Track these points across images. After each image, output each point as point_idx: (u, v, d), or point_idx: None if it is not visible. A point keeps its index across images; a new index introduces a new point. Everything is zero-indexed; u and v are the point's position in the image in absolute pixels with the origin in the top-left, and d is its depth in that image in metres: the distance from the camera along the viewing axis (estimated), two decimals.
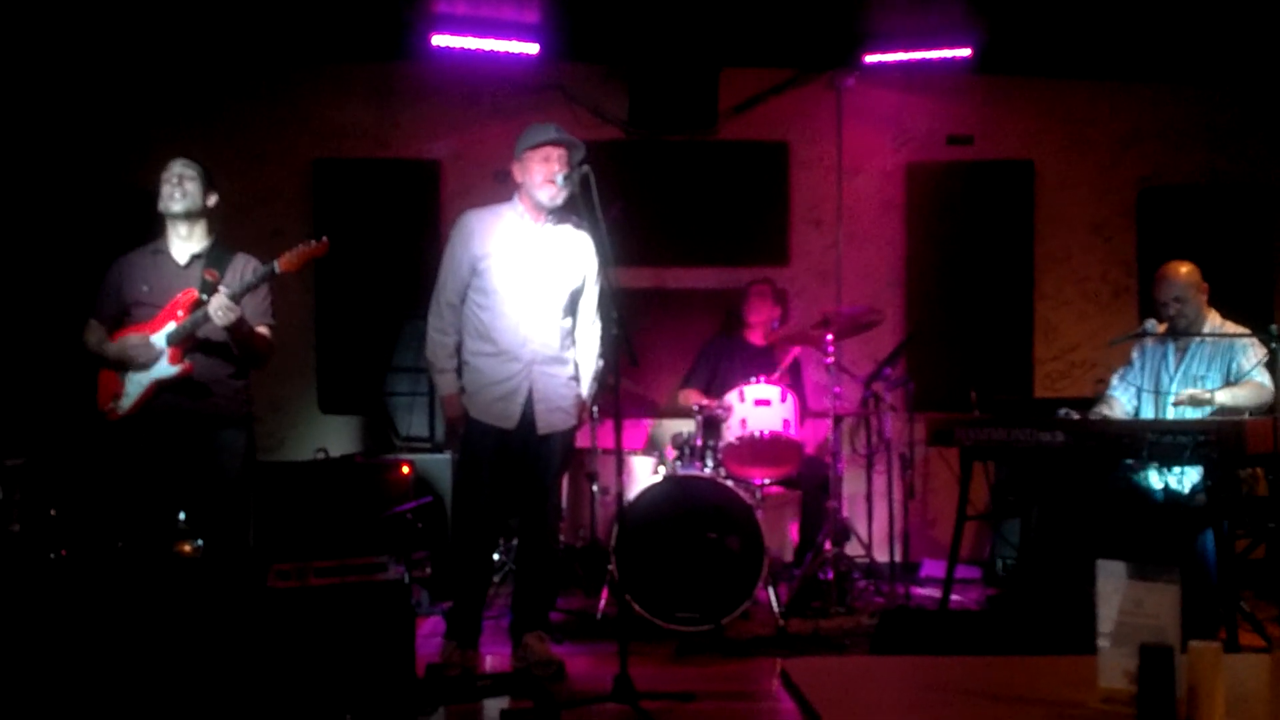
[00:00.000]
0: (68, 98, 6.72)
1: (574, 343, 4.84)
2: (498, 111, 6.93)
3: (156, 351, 4.47)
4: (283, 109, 7.05)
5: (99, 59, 6.64)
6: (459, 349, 4.74)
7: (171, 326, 4.47)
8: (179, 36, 6.50)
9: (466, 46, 6.50)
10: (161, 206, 4.56)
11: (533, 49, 6.56)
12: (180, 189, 4.54)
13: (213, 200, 4.63)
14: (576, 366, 4.83)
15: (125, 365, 4.51)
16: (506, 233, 4.68)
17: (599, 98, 7.07)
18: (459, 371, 4.74)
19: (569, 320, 4.79)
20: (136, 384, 4.49)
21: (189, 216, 4.57)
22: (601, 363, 4.94)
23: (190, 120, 6.86)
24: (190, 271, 4.58)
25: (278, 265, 4.37)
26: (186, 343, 4.47)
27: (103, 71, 6.72)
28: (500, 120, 6.77)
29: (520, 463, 4.74)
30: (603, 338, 4.83)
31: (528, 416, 4.67)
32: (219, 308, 4.30)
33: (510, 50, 6.55)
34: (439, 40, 6.47)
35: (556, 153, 4.59)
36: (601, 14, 6.48)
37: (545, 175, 4.57)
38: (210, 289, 4.47)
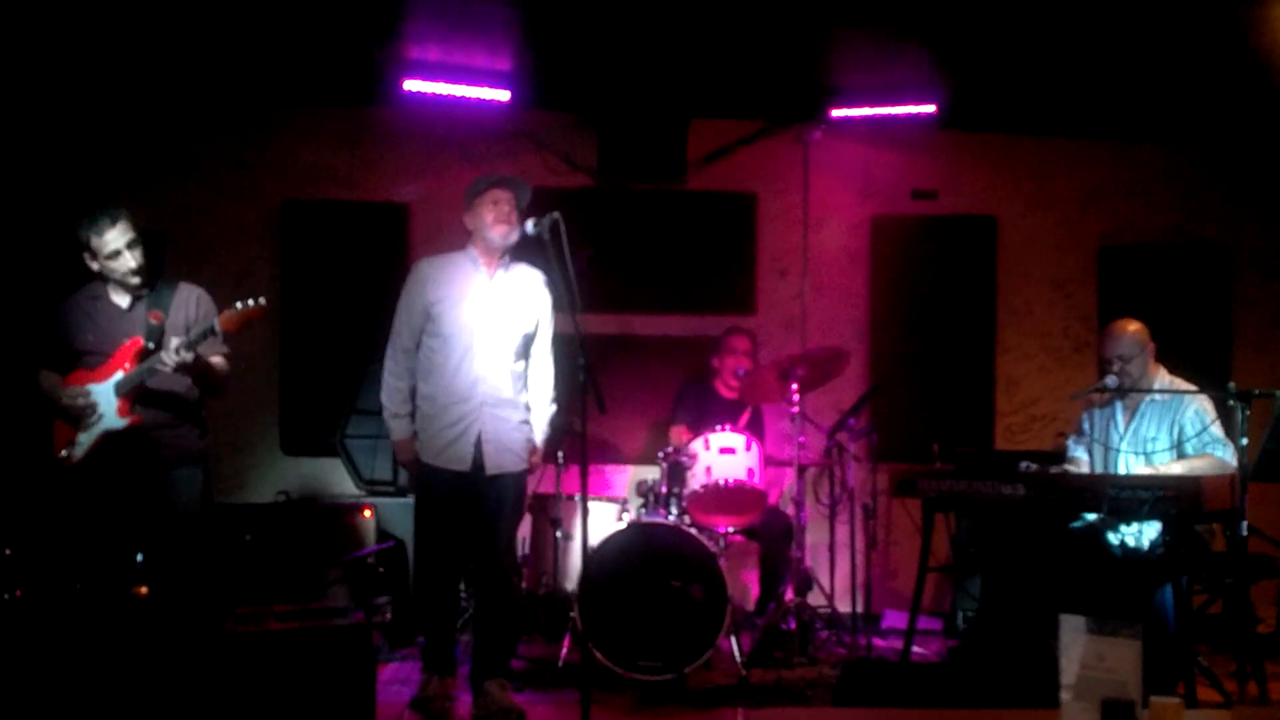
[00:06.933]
0: (29, 138, 6.65)
1: (527, 386, 4.88)
2: (468, 157, 6.95)
3: (95, 406, 4.39)
4: (252, 150, 7.05)
5: (65, 98, 6.61)
6: (413, 394, 4.80)
7: (119, 376, 4.39)
8: (149, 76, 6.50)
9: (438, 92, 6.53)
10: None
11: (504, 96, 6.60)
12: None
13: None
14: (529, 409, 4.88)
15: (68, 418, 4.45)
16: (459, 278, 4.77)
17: (569, 145, 7.11)
18: (412, 416, 4.80)
19: (521, 364, 4.84)
20: (88, 434, 4.42)
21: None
22: (555, 407, 4.98)
23: (159, 160, 6.86)
24: (133, 315, 4.50)
25: (217, 324, 4.30)
26: (135, 393, 4.40)
27: (69, 111, 6.69)
28: (470, 165, 6.78)
29: (474, 505, 4.76)
30: (573, 384, 4.85)
31: (478, 459, 4.71)
32: (172, 362, 4.25)
33: (481, 97, 6.59)
34: (410, 85, 6.49)
35: (504, 195, 4.72)
36: (573, 63, 6.53)
37: (495, 216, 4.69)
38: (156, 333, 4.42)
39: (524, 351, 4.83)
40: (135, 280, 4.47)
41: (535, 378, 4.90)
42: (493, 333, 4.72)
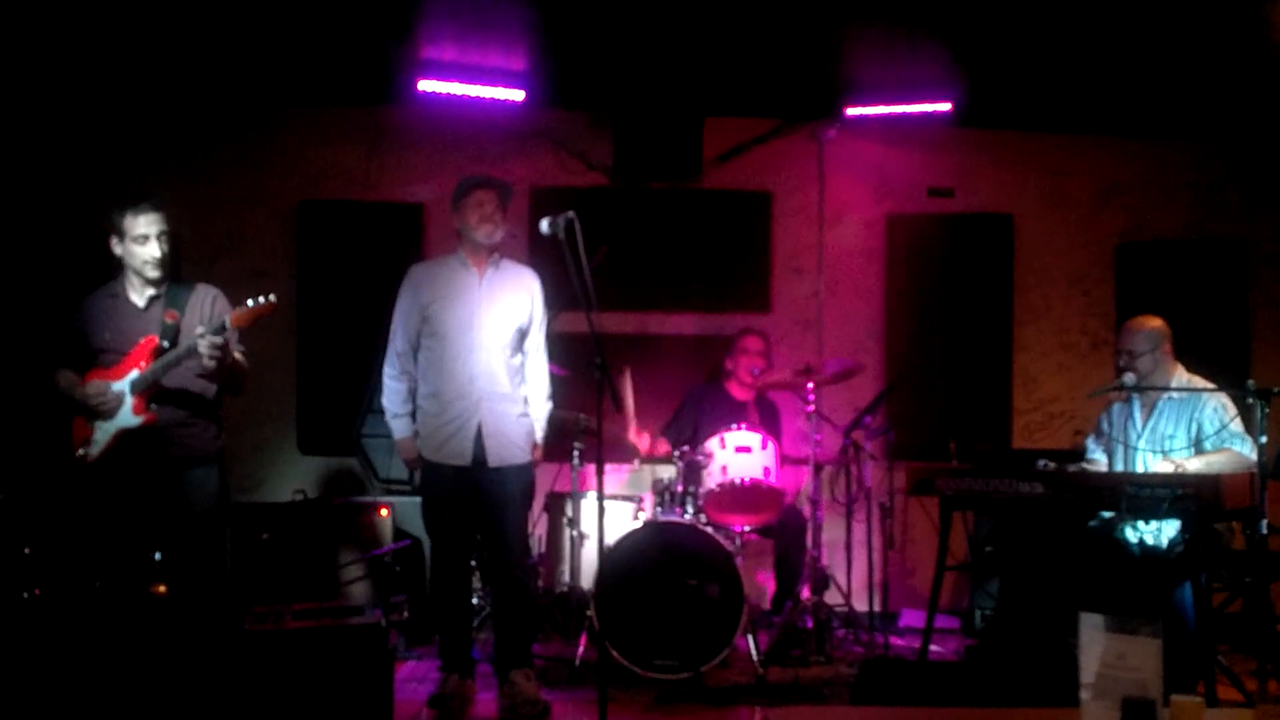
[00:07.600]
0: (44, 139, 6.67)
1: (524, 380, 4.98)
2: (483, 157, 6.96)
3: (118, 399, 4.40)
4: (268, 150, 7.06)
5: (79, 98, 6.63)
6: (413, 394, 4.93)
7: (135, 375, 4.40)
8: (164, 76, 6.51)
9: (453, 92, 6.54)
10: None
11: (518, 95, 6.61)
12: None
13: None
14: (528, 403, 4.97)
15: (88, 413, 4.46)
16: (450, 280, 4.92)
17: (584, 144, 7.11)
18: (413, 416, 4.92)
19: (518, 358, 4.96)
20: (104, 432, 4.44)
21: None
22: (551, 404, 5.08)
23: (173, 160, 6.87)
24: (150, 314, 4.51)
25: (229, 319, 4.30)
26: (150, 391, 4.41)
27: (83, 111, 6.71)
28: (486, 165, 6.76)
29: (479, 500, 4.84)
30: (588, 382, 4.87)
31: (479, 453, 4.79)
32: (207, 350, 4.23)
33: (496, 96, 6.59)
34: (425, 85, 6.50)
35: (488, 196, 4.88)
36: (587, 63, 6.53)
37: (480, 217, 4.85)
38: (171, 332, 4.44)
39: (518, 345, 4.96)
40: (154, 273, 4.48)
41: (530, 374, 5.01)
42: (486, 329, 4.85)
